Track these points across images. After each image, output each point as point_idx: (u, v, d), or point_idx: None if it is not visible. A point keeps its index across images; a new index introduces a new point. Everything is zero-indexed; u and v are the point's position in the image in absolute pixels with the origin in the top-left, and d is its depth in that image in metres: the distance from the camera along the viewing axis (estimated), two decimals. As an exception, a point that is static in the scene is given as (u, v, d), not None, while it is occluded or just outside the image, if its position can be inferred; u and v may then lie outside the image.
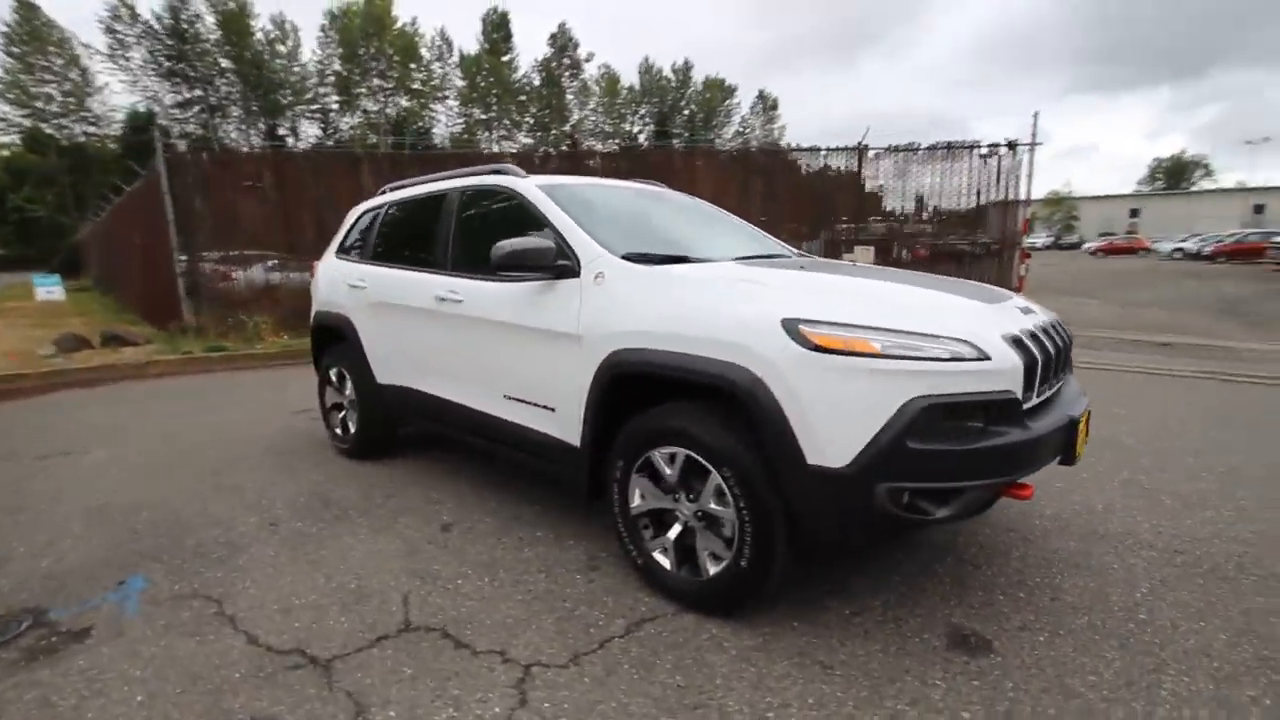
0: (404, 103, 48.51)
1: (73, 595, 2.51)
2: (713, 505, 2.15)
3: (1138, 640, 2.09)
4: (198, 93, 42.88)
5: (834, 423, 1.87)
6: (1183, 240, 32.53)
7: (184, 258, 8.77)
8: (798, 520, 2.00)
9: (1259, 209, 43.92)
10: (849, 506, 1.91)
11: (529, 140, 49.66)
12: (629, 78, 56.73)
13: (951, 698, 1.84)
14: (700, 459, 2.13)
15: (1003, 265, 10.63)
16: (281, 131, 44.81)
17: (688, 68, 54.92)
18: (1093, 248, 39.86)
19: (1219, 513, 3.04)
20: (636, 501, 2.38)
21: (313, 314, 4.32)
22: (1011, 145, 10.22)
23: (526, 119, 52.47)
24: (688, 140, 49.97)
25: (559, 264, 2.58)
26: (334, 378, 4.12)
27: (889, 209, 11.19)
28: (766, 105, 56.75)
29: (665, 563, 2.33)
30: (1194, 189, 60.76)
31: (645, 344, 2.25)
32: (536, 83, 52.00)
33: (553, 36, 51.97)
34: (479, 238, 3.14)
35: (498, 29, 49.56)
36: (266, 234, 9.30)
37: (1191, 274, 20.63)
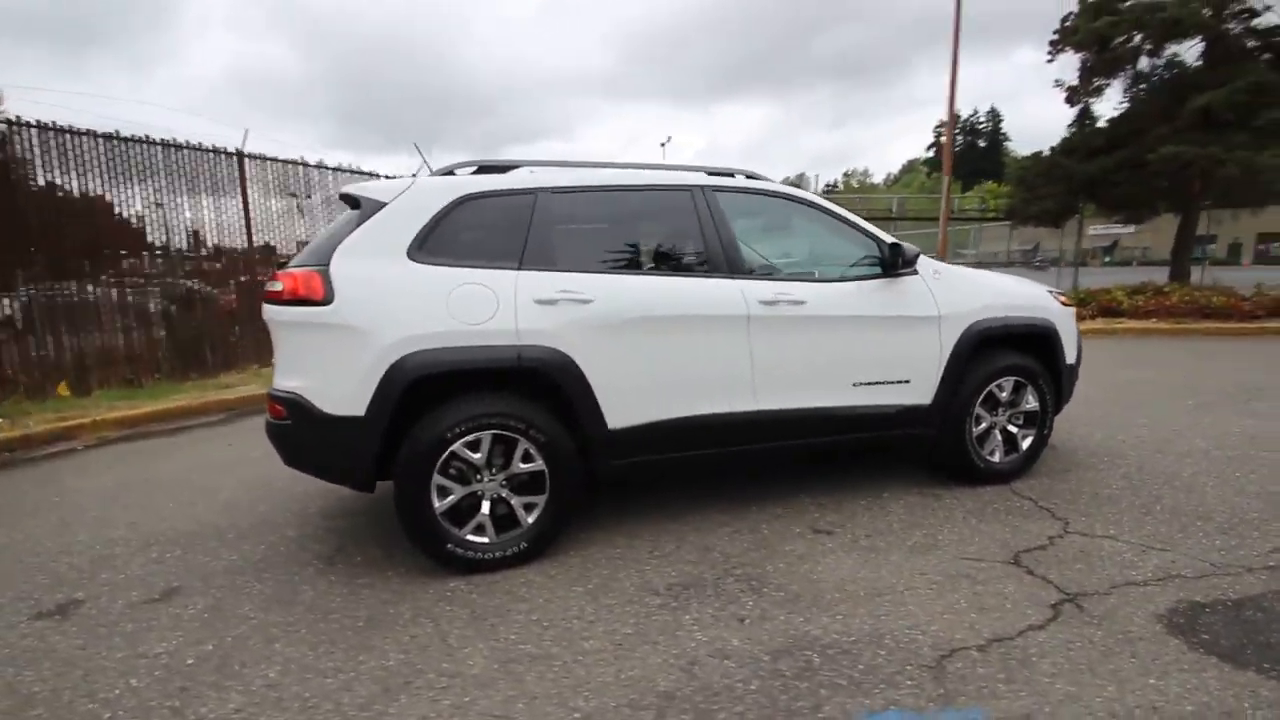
0: None
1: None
2: (1027, 405, 3.48)
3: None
4: None
5: (1070, 339, 3.64)
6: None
7: None
8: (1058, 396, 3.62)
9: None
10: (1074, 379, 3.71)
11: None
12: None
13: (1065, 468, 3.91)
14: (1022, 379, 3.43)
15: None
16: None
17: None
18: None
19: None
20: (981, 426, 3.40)
21: (381, 364, 2.37)
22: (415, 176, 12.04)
23: None
24: None
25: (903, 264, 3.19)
26: (470, 454, 2.50)
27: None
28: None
29: (996, 457, 3.47)
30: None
31: (996, 314, 3.34)
32: None
33: None
34: (766, 239, 3.16)
35: None
36: None
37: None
